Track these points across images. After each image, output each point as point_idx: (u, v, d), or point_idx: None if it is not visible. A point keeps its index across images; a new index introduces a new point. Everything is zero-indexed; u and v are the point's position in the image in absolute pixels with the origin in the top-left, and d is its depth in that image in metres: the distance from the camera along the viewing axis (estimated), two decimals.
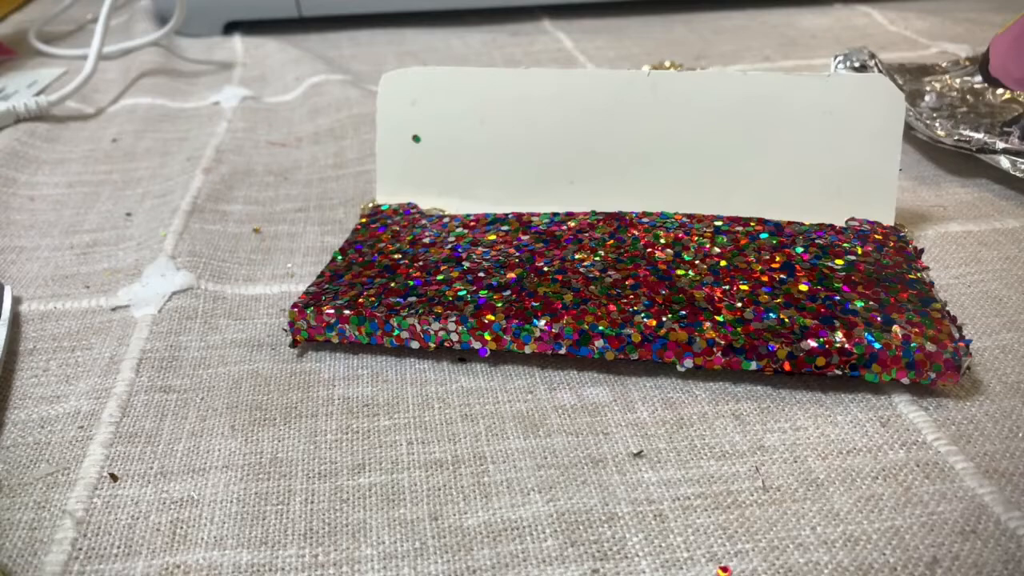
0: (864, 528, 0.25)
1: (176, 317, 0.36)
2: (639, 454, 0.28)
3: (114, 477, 0.27)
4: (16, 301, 0.37)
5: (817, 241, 0.35)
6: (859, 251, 0.34)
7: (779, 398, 0.30)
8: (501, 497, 0.26)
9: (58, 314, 0.36)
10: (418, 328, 0.31)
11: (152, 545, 0.25)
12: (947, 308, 0.31)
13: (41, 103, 0.58)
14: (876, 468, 0.27)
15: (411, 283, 0.33)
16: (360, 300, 0.32)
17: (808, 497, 0.26)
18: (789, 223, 0.36)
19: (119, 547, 0.25)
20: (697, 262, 0.34)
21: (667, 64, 0.59)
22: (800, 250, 0.34)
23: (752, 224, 0.36)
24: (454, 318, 0.31)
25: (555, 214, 0.38)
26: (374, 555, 0.24)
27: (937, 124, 0.46)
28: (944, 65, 0.56)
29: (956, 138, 0.45)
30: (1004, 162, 0.43)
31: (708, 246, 0.35)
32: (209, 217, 0.44)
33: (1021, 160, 0.43)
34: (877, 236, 0.35)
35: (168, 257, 0.40)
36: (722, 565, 0.23)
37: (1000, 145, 0.44)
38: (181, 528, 0.25)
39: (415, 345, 0.32)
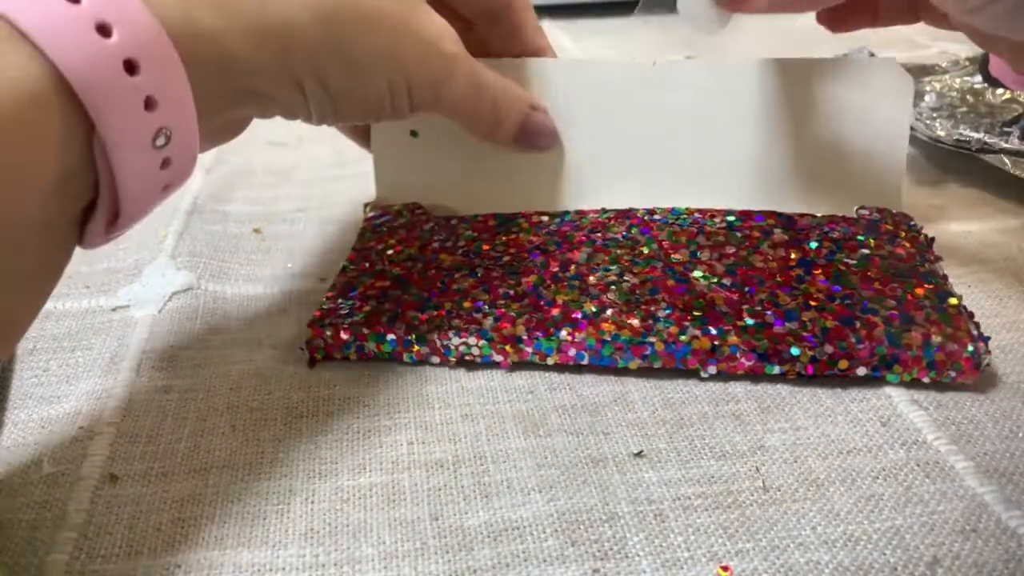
0: (865, 528, 0.25)
1: (176, 317, 0.36)
2: (639, 454, 0.28)
3: (114, 477, 0.27)
4: None
5: (830, 235, 0.35)
6: (872, 243, 0.34)
7: (779, 398, 0.30)
8: (502, 497, 0.26)
9: (58, 314, 0.36)
10: (438, 343, 0.31)
11: (153, 545, 0.25)
12: (963, 304, 0.31)
13: None
14: (876, 468, 0.27)
15: (427, 294, 0.33)
16: (377, 316, 0.32)
17: (808, 497, 0.26)
18: (801, 216, 0.36)
19: (120, 547, 0.25)
20: (713, 262, 0.33)
21: None
22: (814, 245, 0.34)
23: (765, 220, 0.36)
24: (475, 332, 0.31)
25: (565, 213, 0.38)
26: (375, 555, 0.24)
27: (937, 124, 0.46)
28: (944, 65, 0.56)
29: (956, 138, 0.45)
30: (1004, 162, 0.43)
31: (723, 243, 0.34)
32: (209, 217, 0.44)
33: (1021, 160, 0.43)
34: (888, 226, 0.35)
35: (168, 257, 0.40)
36: (723, 564, 0.23)
37: (1000, 145, 0.44)
38: (182, 528, 0.25)
39: (435, 360, 0.32)
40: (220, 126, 0.29)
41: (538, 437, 0.29)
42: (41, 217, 0.21)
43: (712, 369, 0.30)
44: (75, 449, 0.29)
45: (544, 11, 0.84)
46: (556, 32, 0.78)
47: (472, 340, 0.31)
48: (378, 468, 0.28)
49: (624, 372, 0.31)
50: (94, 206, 0.23)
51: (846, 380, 0.30)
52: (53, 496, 0.27)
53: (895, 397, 0.30)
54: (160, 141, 0.23)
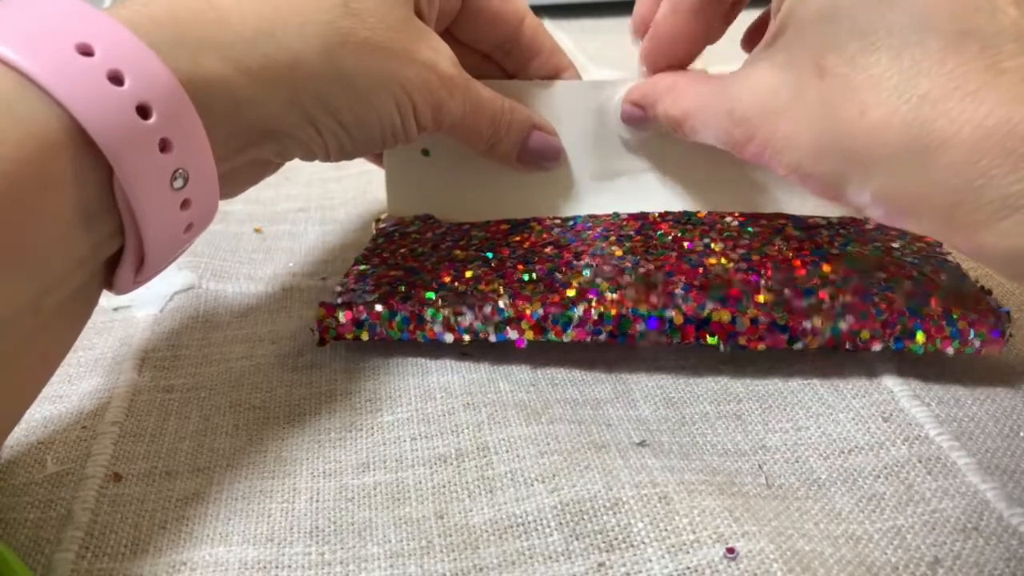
0: (866, 528, 0.25)
1: (178, 316, 0.36)
2: (642, 443, 0.28)
3: (118, 477, 0.27)
4: None
5: (842, 231, 0.35)
6: (884, 238, 0.34)
7: (781, 396, 0.30)
8: (505, 491, 0.26)
9: None
10: (452, 321, 0.31)
11: (159, 542, 0.25)
12: (980, 284, 0.31)
13: None
14: (878, 466, 0.27)
15: (440, 279, 0.33)
16: (390, 296, 0.32)
17: (810, 496, 0.26)
18: (812, 217, 0.36)
19: (126, 545, 0.25)
20: (727, 252, 0.33)
21: None
22: (827, 239, 0.34)
23: (776, 220, 0.36)
24: (489, 308, 0.31)
25: (577, 217, 0.38)
26: (380, 553, 0.24)
27: None
28: None
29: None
30: None
31: (735, 238, 0.34)
32: None
33: None
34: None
35: None
36: (729, 546, 0.23)
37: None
38: (187, 525, 0.25)
39: (449, 338, 0.31)
40: (243, 169, 0.29)
41: (540, 424, 0.28)
42: (68, 259, 0.22)
43: (732, 343, 0.30)
44: (79, 448, 0.29)
45: (544, 11, 0.84)
46: (556, 32, 0.78)
47: (488, 316, 0.31)
48: (382, 466, 0.28)
49: (626, 370, 0.32)
50: (122, 255, 0.24)
51: (849, 375, 0.30)
52: (57, 495, 0.27)
53: (897, 392, 0.30)
54: (178, 183, 0.24)
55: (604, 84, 0.38)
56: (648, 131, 0.37)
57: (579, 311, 0.30)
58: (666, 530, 0.24)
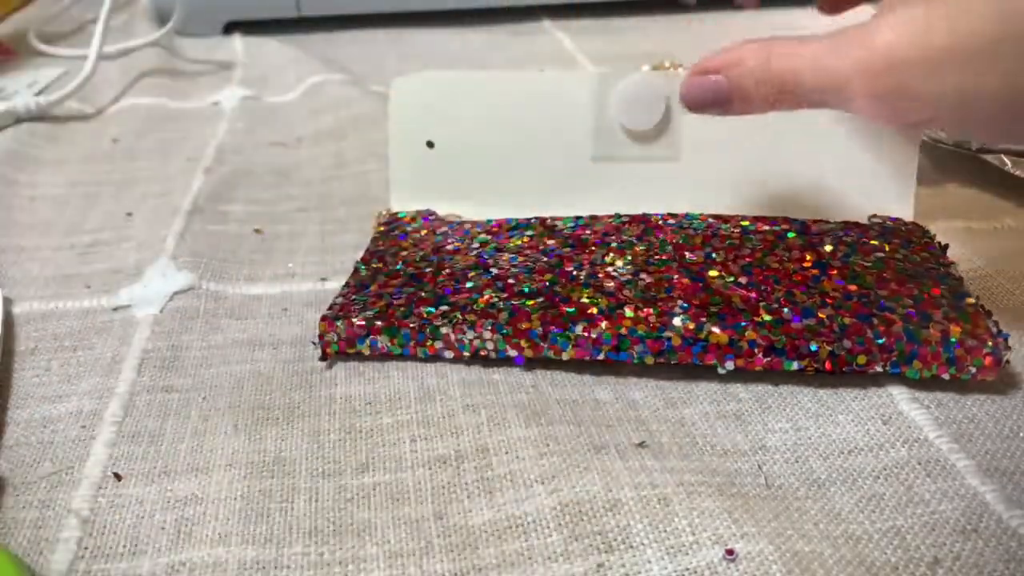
0: (866, 528, 0.25)
1: (178, 317, 0.36)
2: (642, 444, 0.28)
3: (118, 476, 0.27)
4: (7, 302, 0.37)
5: (845, 239, 0.35)
6: (887, 248, 0.34)
7: (780, 398, 0.30)
8: (505, 492, 0.26)
9: (59, 314, 0.36)
10: (452, 338, 0.31)
11: (157, 543, 0.25)
12: (981, 303, 0.31)
13: (41, 103, 0.58)
14: (878, 467, 0.27)
15: (441, 291, 0.33)
16: (391, 311, 0.32)
17: (810, 496, 0.26)
18: (815, 221, 0.36)
19: (125, 546, 0.25)
20: (728, 263, 0.33)
21: (666, 64, 0.59)
22: (829, 248, 0.34)
23: (779, 224, 0.36)
24: (489, 326, 0.31)
25: (579, 217, 0.38)
26: (380, 554, 0.24)
27: None
28: None
29: (956, 138, 0.45)
30: (1004, 161, 0.43)
31: (737, 246, 0.34)
32: (210, 217, 0.44)
33: (1021, 160, 0.43)
34: (902, 232, 0.35)
35: (169, 257, 0.40)
36: (728, 548, 0.23)
37: (1000, 144, 0.44)
38: (186, 526, 0.25)
39: (449, 355, 0.32)
40: None
41: (540, 426, 0.28)
42: None
43: (729, 365, 0.30)
44: (77, 448, 0.29)
45: (544, 11, 0.84)
46: (556, 32, 0.78)
47: (487, 335, 0.31)
48: (382, 467, 0.28)
49: (626, 372, 0.32)
50: None
51: (848, 378, 0.30)
52: (56, 495, 0.27)
53: (896, 395, 0.30)
54: None
55: (607, 76, 0.38)
56: (651, 125, 0.37)
57: (578, 330, 0.30)
58: (665, 531, 0.24)
